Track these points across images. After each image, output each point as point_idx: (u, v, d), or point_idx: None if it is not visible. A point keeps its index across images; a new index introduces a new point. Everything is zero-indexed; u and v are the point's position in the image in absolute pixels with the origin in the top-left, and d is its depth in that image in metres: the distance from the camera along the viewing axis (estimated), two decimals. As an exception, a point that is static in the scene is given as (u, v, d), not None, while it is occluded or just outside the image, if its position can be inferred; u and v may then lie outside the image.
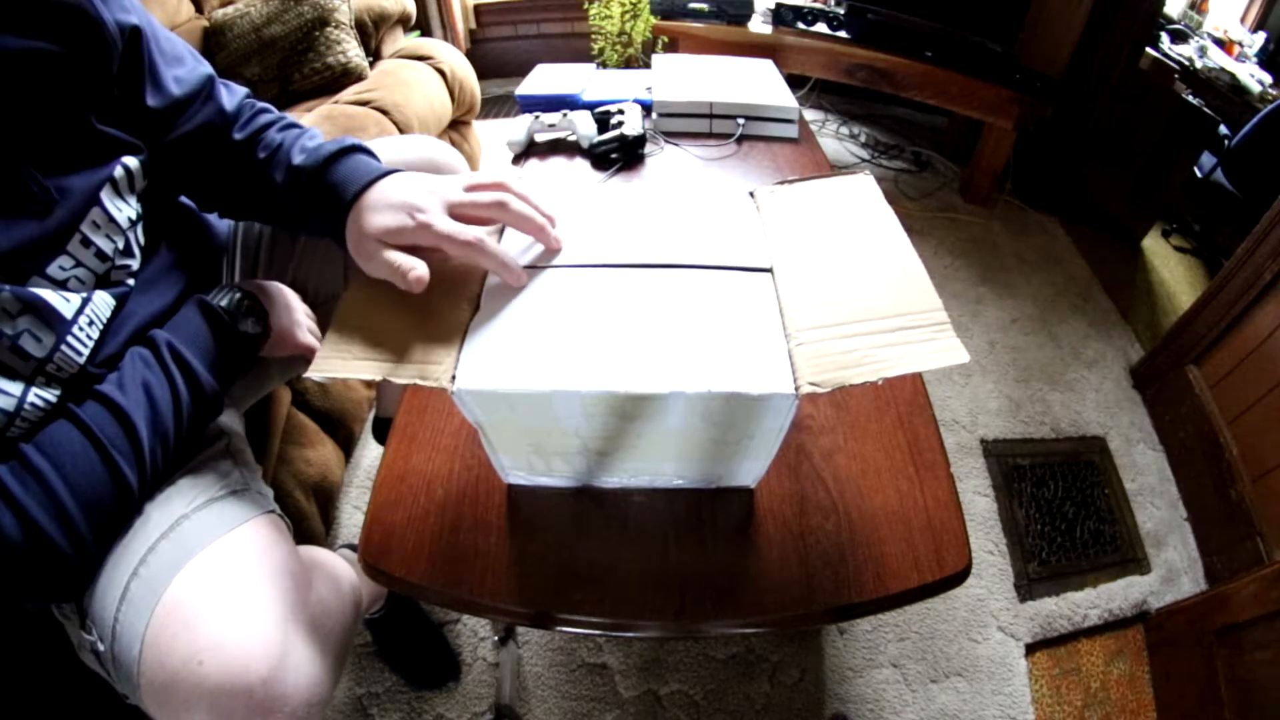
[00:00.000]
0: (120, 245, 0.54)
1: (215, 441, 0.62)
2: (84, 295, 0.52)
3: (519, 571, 0.54)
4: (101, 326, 0.54)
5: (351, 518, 1.19)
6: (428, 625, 1.03)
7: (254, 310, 0.62)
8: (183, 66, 0.58)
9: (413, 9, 1.91)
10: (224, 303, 0.60)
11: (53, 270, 0.49)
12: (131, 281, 0.57)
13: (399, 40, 1.90)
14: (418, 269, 0.46)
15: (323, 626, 0.54)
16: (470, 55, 2.10)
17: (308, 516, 0.99)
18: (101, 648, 0.48)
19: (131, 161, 0.54)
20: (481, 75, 1.94)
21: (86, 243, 0.51)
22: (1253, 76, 2.23)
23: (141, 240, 0.58)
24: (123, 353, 0.55)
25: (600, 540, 0.57)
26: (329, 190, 0.53)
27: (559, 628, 0.78)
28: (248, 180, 0.60)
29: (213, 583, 0.49)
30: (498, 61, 2.80)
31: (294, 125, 0.62)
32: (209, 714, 0.44)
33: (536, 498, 0.59)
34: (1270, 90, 2.18)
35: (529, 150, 1.16)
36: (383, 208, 0.49)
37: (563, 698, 0.98)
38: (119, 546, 0.50)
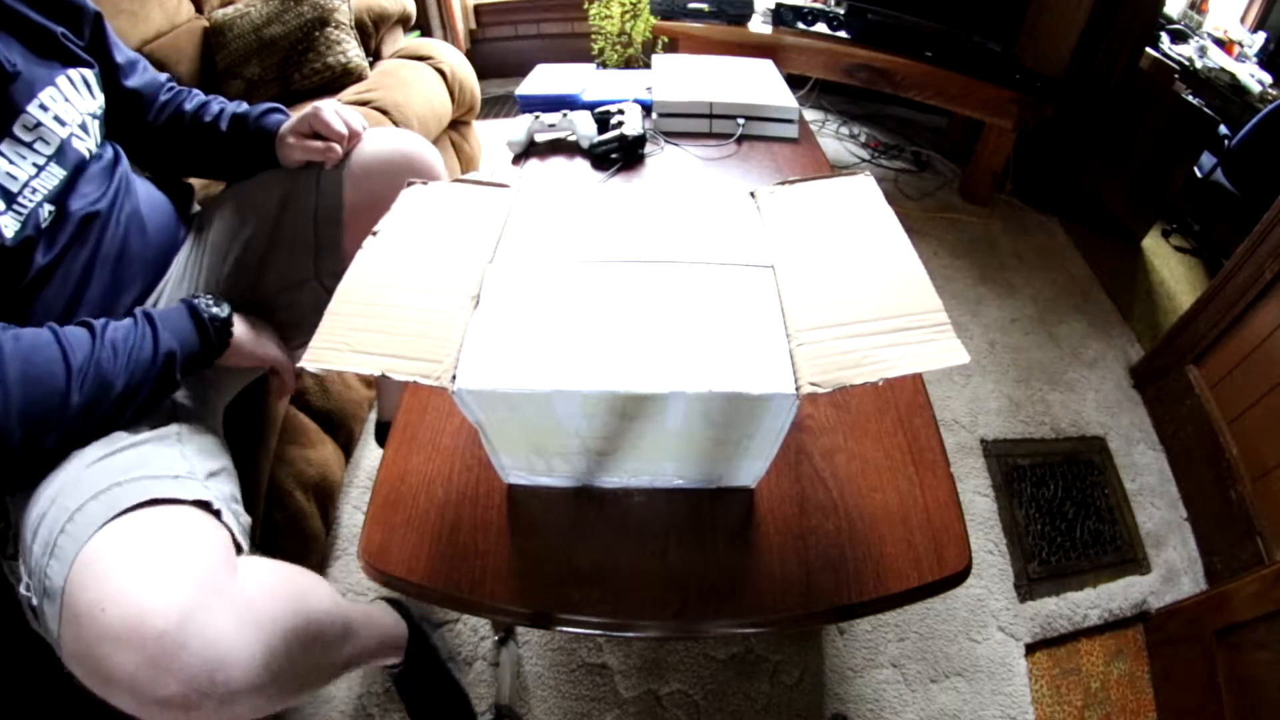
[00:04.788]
0: (78, 122, 0.67)
1: (165, 426, 0.64)
2: (36, 167, 0.62)
3: (519, 571, 0.55)
4: (45, 195, 0.63)
5: (352, 518, 1.19)
6: (447, 679, 0.93)
7: (228, 326, 0.68)
8: (136, 70, 0.79)
9: (413, 9, 1.91)
10: (214, 310, 0.67)
11: (18, 130, 0.60)
12: (88, 155, 0.68)
13: (399, 40, 1.90)
14: (329, 147, 0.78)
15: (257, 612, 0.51)
16: (470, 55, 2.10)
17: (308, 516, 0.99)
18: (36, 603, 0.50)
19: (87, 72, 0.69)
20: (481, 75, 1.94)
21: (44, 108, 0.63)
22: (1253, 76, 2.23)
23: (100, 134, 0.70)
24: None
25: (600, 540, 0.57)
26: (263, 129, 0.82)
27: (559, 628, 0.78)
28: (197, 139, 0.82)
29: (132, 541, 0.50)
30: (498, 61, 2.80)
31: (218, 97, 0.86)
32: (106, 663, 0.45)
33: (536, 498, 0.59)
34: (1270, 90, 2.18)
35: (529, 150, 1.16)
36: (288, 127, 0.81)
37: (563, 698, 0.98)
38: (53, 504, 0.52)
